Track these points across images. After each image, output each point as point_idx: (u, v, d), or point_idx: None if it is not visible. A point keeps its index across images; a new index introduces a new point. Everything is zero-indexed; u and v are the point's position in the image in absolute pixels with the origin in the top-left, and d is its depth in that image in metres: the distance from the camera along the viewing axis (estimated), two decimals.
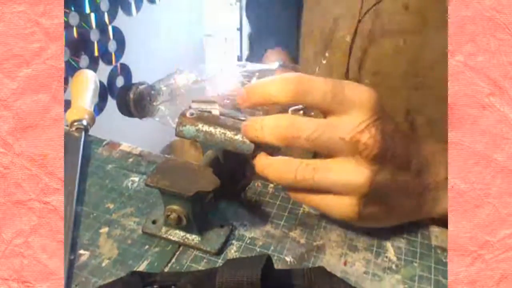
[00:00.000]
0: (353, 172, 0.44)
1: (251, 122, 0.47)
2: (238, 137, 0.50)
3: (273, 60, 0.79)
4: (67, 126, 0.66)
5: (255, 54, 0.90)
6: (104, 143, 0.66)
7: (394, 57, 0.62)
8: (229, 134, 0.50)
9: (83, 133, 0.65)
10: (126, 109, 0.55)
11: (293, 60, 0.82)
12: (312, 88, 0.45)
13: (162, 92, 0.53)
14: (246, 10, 0.91)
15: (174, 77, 0.54)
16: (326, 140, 0.44)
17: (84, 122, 0.66)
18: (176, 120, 0.52)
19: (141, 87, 0.55)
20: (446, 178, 0.44)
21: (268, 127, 0.46)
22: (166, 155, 0.64)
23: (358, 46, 0.64)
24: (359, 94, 0.45)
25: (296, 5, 0.80)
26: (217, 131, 0.50)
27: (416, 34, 0.60)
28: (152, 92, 0.54)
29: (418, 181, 0.48)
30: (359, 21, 0.62)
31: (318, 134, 0.44)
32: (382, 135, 0.44)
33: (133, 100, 0.54)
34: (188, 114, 0.52)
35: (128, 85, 0.56)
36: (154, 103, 0.54)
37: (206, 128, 0.51)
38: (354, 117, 0.44)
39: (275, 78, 0.46)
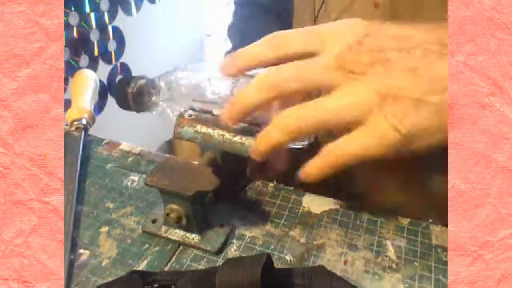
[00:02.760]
0: (355, 91, 0.41)
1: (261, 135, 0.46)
2: (237, 138, 0.49)
3: None
4: (67, 125, 0.66)
5: None
6: (103, 142, 0.66)
7: None
8: (228, 135, 0.50)
9: (82, 133, 0.65)
10: (124, 102, 0.55)
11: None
12: (289, 36, 0.45)
13: (162, 89, 0.53)
14: (228, 32, 0.88)
15: (175, 73, 0.54)
16: (313, 75, 0.42)
17: (84, 122, 0.66)
18: (176, 115, 0.52)
19: (140, 81, 0.54)
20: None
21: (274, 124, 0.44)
22: (165, 154, 0.64)
23: None
24: (337, 25, 0.44)
25: (277, 17, 0.79)
26: (216, 133, 0.50)
27: None
28: (152, 89, 0.53)
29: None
30: (315, 19, 0.61)
31: (303, 72, 0.42)
32: (370, 46, 0.41)
33: (132, 94, 0.54)
34: (186, 115, 0.52)
35: (127, 78, 0.55)
36: (153, 99, 0.54)
37: (204, 129, 0.51)
38: (336, 46, 0.42)
39: (255, 42, 0.46)
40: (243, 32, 0.85)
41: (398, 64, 0.40)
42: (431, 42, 0.40)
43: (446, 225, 0.41)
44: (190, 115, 0.52)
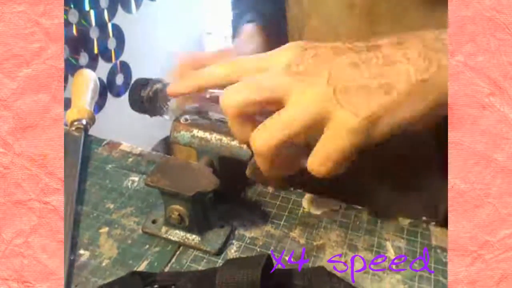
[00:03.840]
0: (308, 90, 0.42)
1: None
2: (235, 143, 0.49)
3: (247, 38, 0.77)
4: (67, 126, 0.66)
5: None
6: (104, 143, 0.66)
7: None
8: (226, 140, 0.50)
9: (83, 133, 0.65)
10: (138, 105, 0.55)
11: (269, 32, 0.79)
12: (245, 61, 0.48)
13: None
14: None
15: None
16: (266, 83, 0.43)
17: (84, 122, 0.66)
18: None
19: (156, 85, 0.54)
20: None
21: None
22: (166, 155, 0.64)
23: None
24: (284, 47, 0.46)
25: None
26: (213, 137, 0.50)
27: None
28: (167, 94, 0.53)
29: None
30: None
31: (255, 83, 0.44)
32: (310, 54, 0.44)
33: (148, 98, 0.54)
34: (182, 120, 0.52)
35: (143, 80, 0.55)
36: (168, 104, 0.54)
37: (201, 134, 0.51)
38: (280, 62, 0.44)
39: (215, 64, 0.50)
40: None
41: (340, 62, 0.42)
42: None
43: (441, 222, 0.41)
44: (186, 120, 0.52)
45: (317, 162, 0.42)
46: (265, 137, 0.42)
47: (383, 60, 0.42)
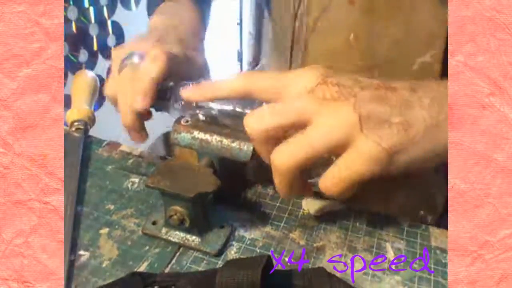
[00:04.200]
0: (335, 113, 0.43)
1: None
2: (235, 144, 0.49)
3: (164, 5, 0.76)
4: (67, 126, 0.66)
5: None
6: (104, 143, 0.66)
7: (346, 53, 0.62)
8: (226, 141, 0.50)
9: (83, 134, 0.65)
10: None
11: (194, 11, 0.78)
12: (257, 78, 0.48)
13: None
14: None
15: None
16: (292, 107, 0.44)
17: (84, 123, 0.66)
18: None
19: (167, 82, 0.54)
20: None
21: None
22: (164, 150, 0.64)
23: (314, 43, 0.65)
24: (299, 71, 0.47)
25: None
26: (213, 139, 0.50)
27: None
28: (177, 94, 0.53)
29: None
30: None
31: (281, 108, 0.44)
32: (333, 82, 0.45)
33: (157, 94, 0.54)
34: (182, 121, 0.52)
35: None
36: (178, 103, 0.53)
37: (201, 135, 0.51)
38: (298, 87, 0.45)
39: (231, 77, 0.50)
40: None
41: (364, 94, 0.44)
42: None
43: (438, 217, 0.41)
44: (187, 121, 0.52)
45: (331, 183, 0.43)
46: (287, 154, 0.43)
47: (401, 101, 0.43)
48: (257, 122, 0.45)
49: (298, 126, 0.44)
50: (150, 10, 0.82)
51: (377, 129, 0.42)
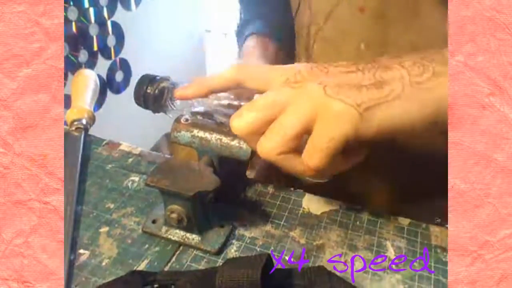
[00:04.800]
0: (301, 92, 0.43)
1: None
2: (235, 142, 0.49)
3: (251, 47, 0.76)
4: (66, 126, 0.66)
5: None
6: (103, 143, 0.66)
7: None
8: (225, 140, 0.50)
9: (82, 133, 0.65)
10: (143, 101, 0.55)
11: (277, 47, 0.79)
12: (248, 67, 0.50)
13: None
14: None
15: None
16: (269, 98, 0.44)
17: (84, 122, 0.66)
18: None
19: (163, 84, 0.54)
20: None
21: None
22: (167, 156, 0.64)
23: (321, 52, 0.65)
24: (289, 65, 0.48)
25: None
26: (213, 137, 0.50)
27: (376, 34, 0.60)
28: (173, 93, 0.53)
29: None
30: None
31: (261, 101, 0.45)
32: (307, 69, 0.45)
33: (153, 96, 0.54)
34: (182, 120, 0.52)
35: (151, 77, 0.55)
36: (175, 103, 0.53)
37: (201, 134, 0.51)
38: (280, 78, 0.46)
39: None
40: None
41: (335, 70, 0.45)
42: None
43: (439, 218, 0.41)
44: (187, 120, 0.52)
45: (309, 156, 0.42)
46: (267, 144, 0.43)
47: (379, 67, 0.43)
48: (238, 120, 0.45)
49: (276, 117, 0.44)
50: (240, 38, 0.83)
51: (345, 91, 0.41)
